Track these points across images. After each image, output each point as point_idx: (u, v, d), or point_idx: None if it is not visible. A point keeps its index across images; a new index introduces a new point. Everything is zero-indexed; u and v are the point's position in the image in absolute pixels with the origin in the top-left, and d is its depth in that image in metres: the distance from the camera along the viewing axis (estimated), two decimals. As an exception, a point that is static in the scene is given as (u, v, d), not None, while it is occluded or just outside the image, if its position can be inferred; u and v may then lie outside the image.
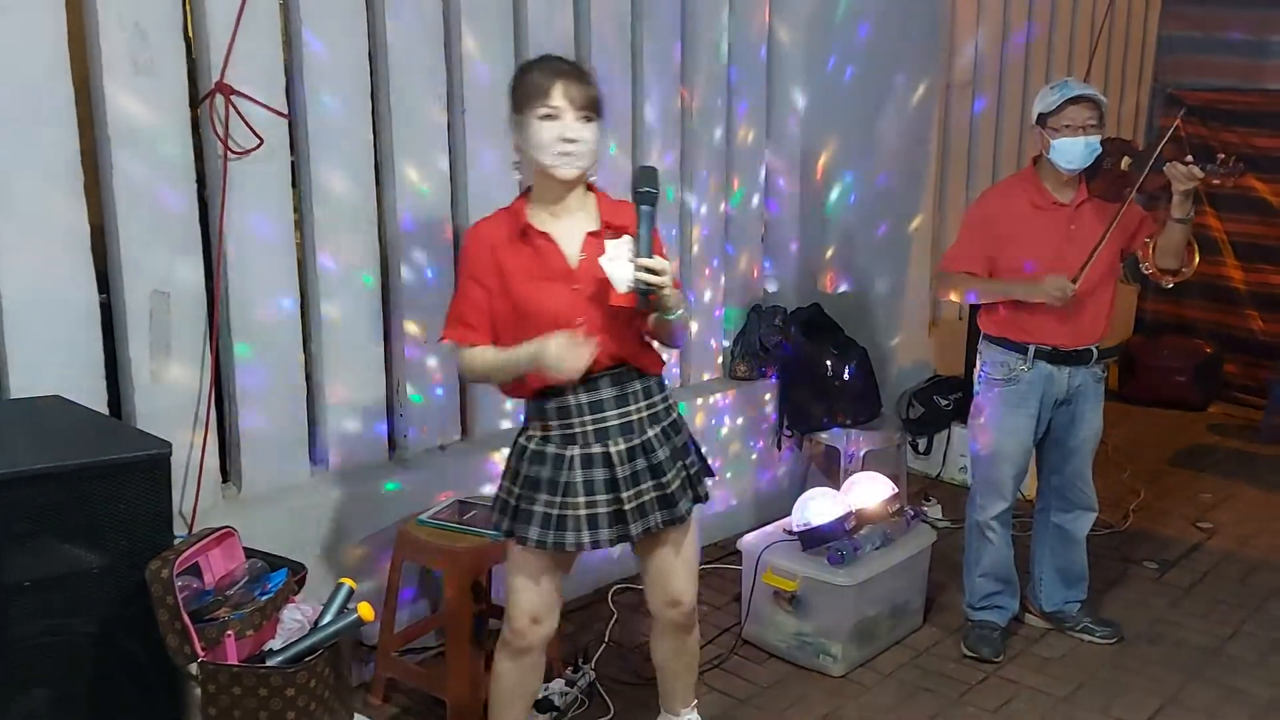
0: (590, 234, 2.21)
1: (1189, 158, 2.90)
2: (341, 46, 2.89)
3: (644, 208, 2.12)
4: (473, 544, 2.79)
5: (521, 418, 2.37)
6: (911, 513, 3.55)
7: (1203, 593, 3.77)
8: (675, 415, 2.38)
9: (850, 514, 3.35)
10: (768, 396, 4.28)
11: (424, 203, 3.15)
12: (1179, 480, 4.99)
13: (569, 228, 2.20)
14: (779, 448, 4.34)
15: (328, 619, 2.13)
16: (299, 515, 2.88)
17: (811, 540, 3.26)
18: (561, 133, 2.09)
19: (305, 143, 2.88)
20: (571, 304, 2.16)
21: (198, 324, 2.73)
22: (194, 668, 2.01)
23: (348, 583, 2.18)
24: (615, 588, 3.66)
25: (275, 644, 2.14)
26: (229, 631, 2.03)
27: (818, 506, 3.34)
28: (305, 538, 2.84)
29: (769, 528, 3.45)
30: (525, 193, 2.27)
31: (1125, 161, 3.03)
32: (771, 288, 4.45)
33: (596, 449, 2.22)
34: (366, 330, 3.08)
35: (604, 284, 2.12)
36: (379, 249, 3.08)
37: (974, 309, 4.08)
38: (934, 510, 4.49)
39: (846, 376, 4.17)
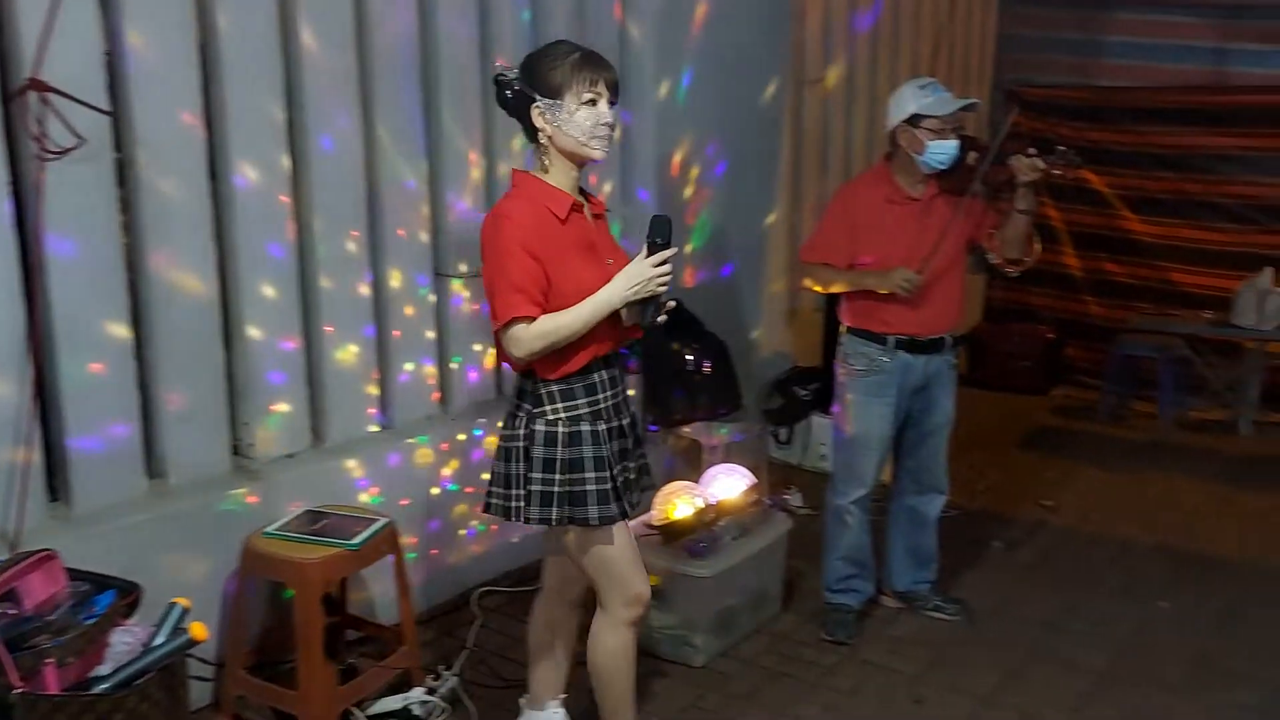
0: (596, 216, 2.35)
1: (1031, 150, 3.04)
2: (169, 39, 2.76)
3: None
4: (324, 555, 2.71)
5: (528, 403, 2.30)
6: (769, 502, 3.62)
7: (1045, 569, 3.97)
8: None
9: (710, 506, 3.40)
10: (631, 392, 4.29)
11: (265, 202, 3.04)
12: (1024, 461, 5.25)
13: (585, 211, 2.33)
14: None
15: (160, 640, 2.04)
16: (135, 533, 2.73)
17: (672, 533, 3.29)
18: (601, 118, 2.19)
19: (132, 142, 2.74)
20: (611, 276, 2.24)
21: (16, 334, 2.56)
22: (12, 699, 1.90)
23: (181, 602, 2.09)
24: (480, 591, 3.62)
25: (104, 669, 2.04)
26: (48, 659, 1.92)
27: (677, 500, 3.38)
28: (143, 556, 2.70)
29: (630, 523, 3.45)
30: (524, 177, 2.30)
31: (971, 156, 3.15)
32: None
33: (615, 422, 2.33)
34: (205, 336, 2.95)
35: (619, 257, 2.31)
36: (216, 252, 2.96)
37: (832, 301, 4.19)
38: (795, 498, 4.59)
39: (707, 369, 4.23)
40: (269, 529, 2.81)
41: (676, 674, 3.15)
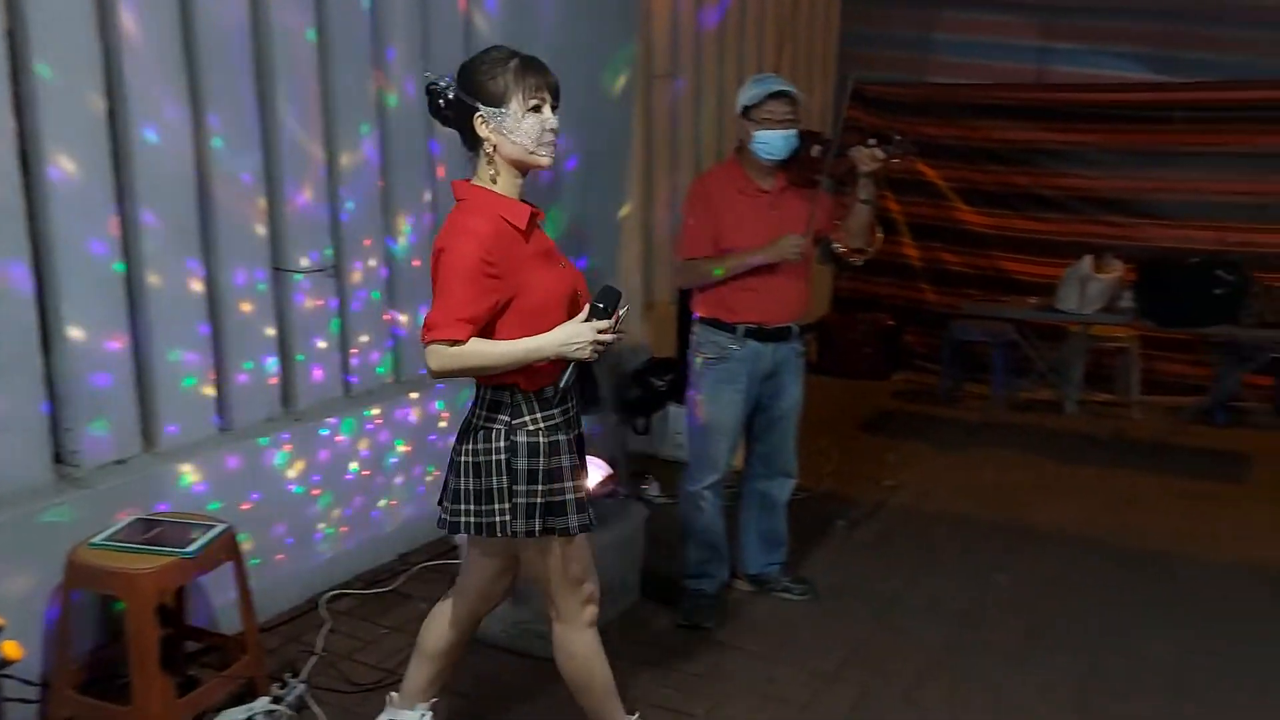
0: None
1: (871, 140, 3.15)
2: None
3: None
4: (157, 564, 2.57)
5: (506, 415, 2.20)
6: (624, 493, 3.65)
7: (887, 546, 4.14)
8: None
9: (564, 499, 3.39)
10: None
11: (84, 196, 2.86)
12: (868, 444, 5.46)
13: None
14: (499, 437, 4.33)
15: (-32, 666, 1.90)
16: (-56, 551, 2.54)
17: (526, 528, 3.27)
18: (547, 123, 2.17)
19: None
20: (572, 287, 2.26)
21: None
22: None
23: (-8, 623, 1.95)
24: (329, 595, 3.53)
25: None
26: None
27: (532, 494, 3.36)
28: (-47, 576, 2.51)
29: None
30: (474, 190, 2.21)
31: (815, 149, 3.25)
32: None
33: (575, 432, 2.33)
34: (20, 338, 2.76)
35: (576, 274, 2.31)
36: (31, 248, 2.77)
37: (685, 293, 4.24)
38: (653, 488, 4.65)
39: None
40: (95, 539, 2.66)
41: (532, 667, 3.14)
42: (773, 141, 3.17)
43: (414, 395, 3.95)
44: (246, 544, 3.01)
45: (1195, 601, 3.63)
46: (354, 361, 3.81)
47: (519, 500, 2.21)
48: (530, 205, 2.24)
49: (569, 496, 2.25)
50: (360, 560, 3.75)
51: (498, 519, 2.23)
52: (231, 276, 3.29)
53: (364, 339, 3.84)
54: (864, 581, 3.78)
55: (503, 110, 2.14)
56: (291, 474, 3.46)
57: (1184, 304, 4.99)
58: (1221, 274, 4.94)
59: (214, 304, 3.27)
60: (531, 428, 2.20)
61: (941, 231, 6.84)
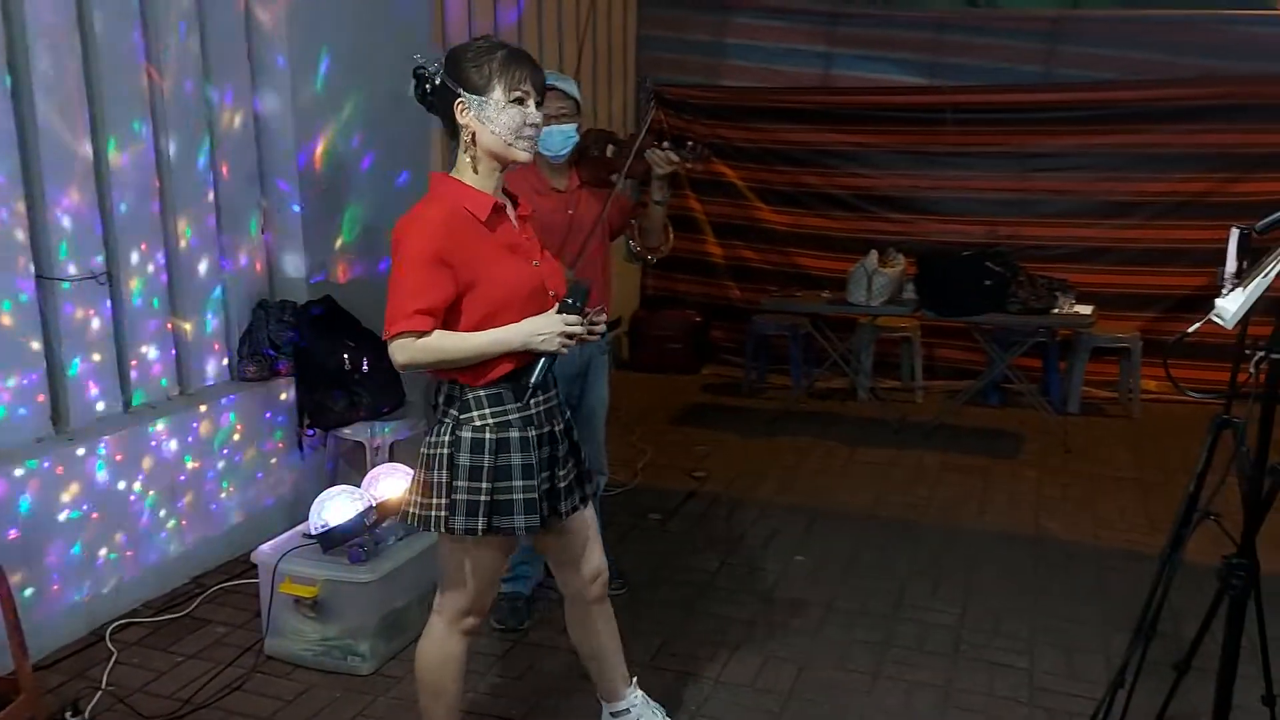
0: (521, 217, 2.30)
1: (665, 144, 3.21)
2: None
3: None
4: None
5: (455, 410, 2.20)
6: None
7: (696, 535, 4.26)
8: None
9: (371, 508, 3.31)
10: (284, 396, 4.09)
11: None
12: (678, 437, 5.59)
13: (509, 212, 2.27)
14: (301, 449, 4.17)
15: None
16: None
17: (331, 541, 3.17)
18: (529, 118, 2.15)
19: None
20: (540, 282, 2.23)
21: None
22: None
23: None
24: (115, 625, 3.30)
25: None
26: None
27: (336, 505, 3.26)
28: None
29: (286, 535, 3.30)
30: (442, 179, 2.22)
31: (610, 150, 3.29)
32: (277, 282, 4.23)
33: (545, 428, 2.27)
34: None
35: (547, 258, 2.31)
36: None
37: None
38: (464, 492, 4.59)
39: (366, 368, 4.11)
40: None
41: (343, 685, 3.05)
42: (548, 138, 3.19)
43: (203, 408, 3.74)
44: (15, 576, 2.76)
45: (972, 568, 3.92)
46: (134, 375, 3.57)
47: (458, 497, 2.18)
48: (499, 198, 2.22)
49: (518, 496, 2.21)
50: (148, 586, 3.53)
51: (434, 514, 2.21)
52: (-13, 287, 3.03)
53: (145, 350, 3.61)
54: (675, 571, 3.87)
55: (484, 99, 2.13)
56: (66, 498, 3.21)
57: (958, 295, 5.36)
58: (990, 265, 5.33)
59: (-33, 317, 3.00)
60: (478, 423, 2.19)
61: (742, 230, 7.08)
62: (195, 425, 3.71)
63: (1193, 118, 6.07)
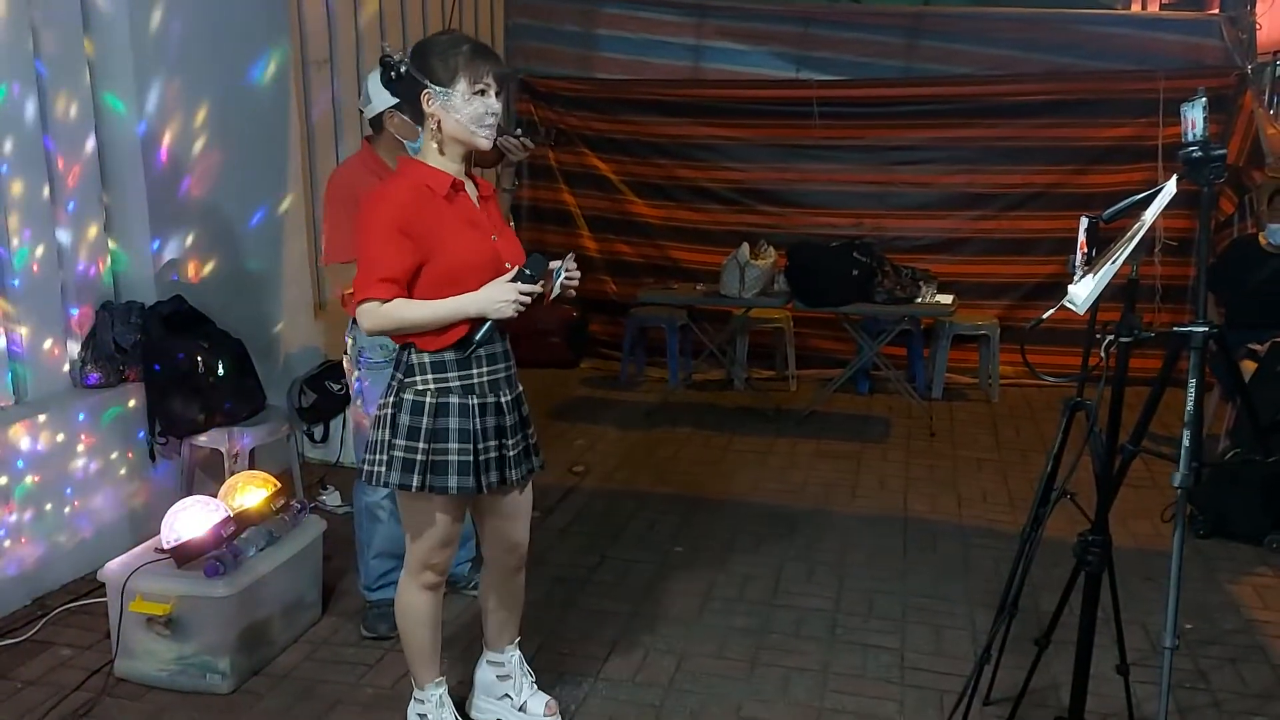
0: (480, 197, 2.44)
1: (518, 130, 3.17)
2: None
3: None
4: None
5: (401, 373, 2.39)
6: (299, 506, 3.44)
7: (576, 529, 4.22)
8: None
9: (228, 518, 3.14)
10: (133, 403, 3.85)
11: None
12: (558, 432, 5.54)
13: (468, 190, 2.42)
14: (153, 458, 3.94)
15: None
16: None
17: (185, 555, 3.00)
18: (490, 108, 2.30)
19: None
20: (495, 251, 2.38)
21: None
22: None
23: None
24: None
25: None
26: None
27: (190, 517, 3.09)
28: None
29: (138, 550, 3.11)
30: (407, 161, 2.41)
31: None
32: (123, 282, 3.98)
33: (490, 398, 2.41)
34: None
35: (507, 236, 2.46)
36: None
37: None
38: (333, 498, 4.44)
39: (221, 372, 3.91)
40: None
41: (201, 705, 2.88)
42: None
43: (42, 418, 3.49)
44: None
45: (844, 551, 4.00)
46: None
47: (395, 454, 2.37)
48: (458, 178, 2.37)
49: (453, 458, 2.36)
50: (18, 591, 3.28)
51: (373, 469, 2.41)
52: None
53: (-26, 357, 3.34)
54: (557, 567, 3.82)
55: (449, 90, 2.28)
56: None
57: (827, 286, 5.46)
58: (857, 257, 5.45)
59: None
60: (420, 388, 2.37)
61: (616, 224, 7.05)
62: (35, 435, 3.45)
63: (1042, 112, 6.35)
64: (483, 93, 2.29)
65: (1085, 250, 2.25)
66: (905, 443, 5.44)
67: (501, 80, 2.35)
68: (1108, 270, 2.18)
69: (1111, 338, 2.25)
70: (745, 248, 5.70)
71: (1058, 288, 2.41)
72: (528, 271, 2.33)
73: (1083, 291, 2.20)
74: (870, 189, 6.69)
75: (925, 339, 6.47)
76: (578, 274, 2.47)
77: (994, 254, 6.57)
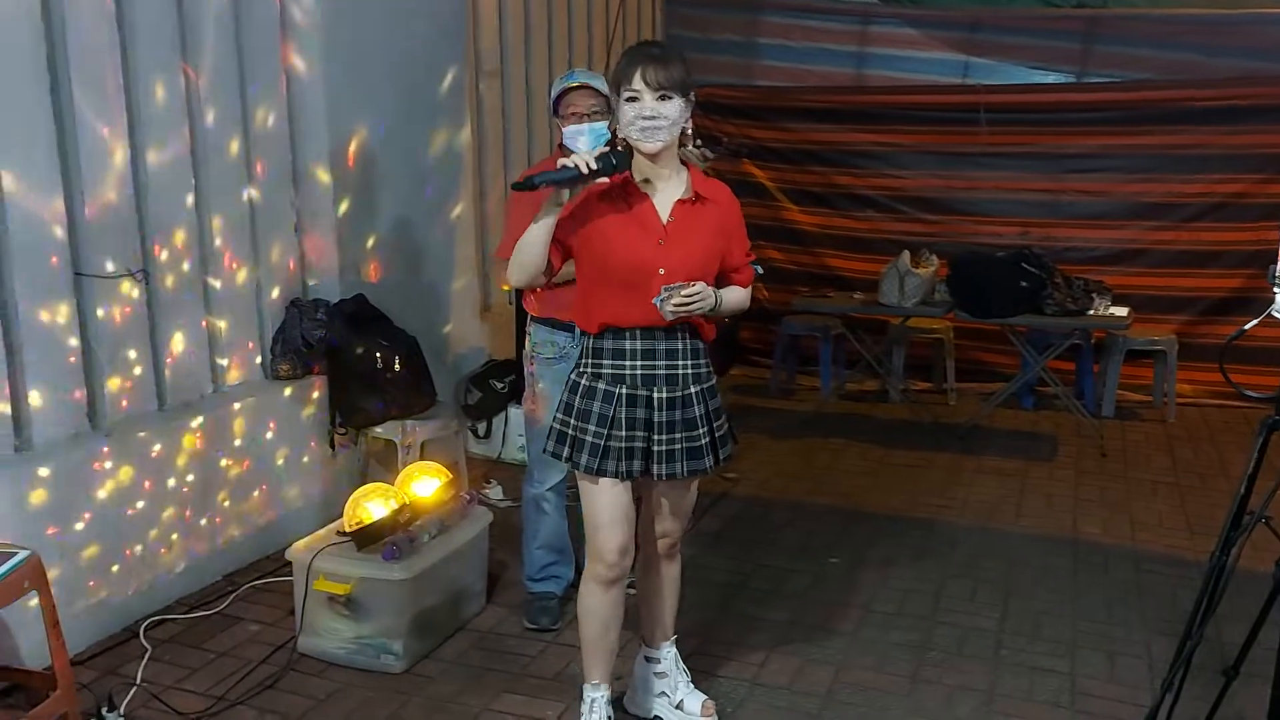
0: (680, 201, 2.49)
1: (698, 141, 3.19)
2: None
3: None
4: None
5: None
6: (468, 497, 3.57)
7: (730, 536, 4.22)
8: (714, 380, 2.62)
9: (404, 506, 3.30)
10: (316, 395, 4.09)
11: None
12: (709, 438, 5.54)
13: (662, 192, 2.49)
14: (333, 447, 4.17)
15: None
16: None
17: (365, 539, 3.16)
18: (640, 112, 2.36)
19: None
20: (655, 255, 2.43)
21: None
22: None
23: None
24: (148, 622, 3.30)
25: None
26: None
27: (369, 504, 3.25)
28: None
29: (320, 532, 3.29)
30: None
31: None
32: (311, 280, 4.24)
33: (641, 391, 2.49)
34: None
35: (687, 246, 2.45)
36: None
37: (519, 293, 4.19)
38: (495, 491, 4.58)
39: (397, 367, 4.10)
40: (-127, 578, 2.39)
41: (376, 684, 3.03)
42: (577, 134, 3.15)
43: (236, 406, 3.74)
44: (52, 572, 2.77)
45: (1009, 570, 3.86)
46: (168, 372, 3.58)
47: (555, 425, 2.57)
48: (644, 178, 2.46)
49: (589, 439, 2.49)
50: (183, 583, 3.53)
51: (546, 440, 2.61)
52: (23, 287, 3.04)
53: (179, 347, 3.62)
54: (710, 571, 3.83)
55: (615, 97, 2.42)
56: (102, 495, 3.21)
57: (993, 297, 5.29)
58: (1027, 267, 5.27)
59: (5, 319, 3.02)
60: (581, 369, 2.55)
61: (771, 231, 7.02)
62: (229, 423, 3.71)
63: (1227, 119, 5.98)
64: (633, 99, 2.36)
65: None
66: (1074, 462, 5.21)
67: (654, 83, 2.34)
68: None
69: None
70: (906, 255, 5.59)
71: (1242, 303, 2.28)
72: (609, 154, 2.38)
73: (1291, 303, 2.07)
74: (1040, 197, 6.45)
75: (1096, 354, 6.18)
76: (693, 306, 2.39)
77: (1173, 266, 6.22)
